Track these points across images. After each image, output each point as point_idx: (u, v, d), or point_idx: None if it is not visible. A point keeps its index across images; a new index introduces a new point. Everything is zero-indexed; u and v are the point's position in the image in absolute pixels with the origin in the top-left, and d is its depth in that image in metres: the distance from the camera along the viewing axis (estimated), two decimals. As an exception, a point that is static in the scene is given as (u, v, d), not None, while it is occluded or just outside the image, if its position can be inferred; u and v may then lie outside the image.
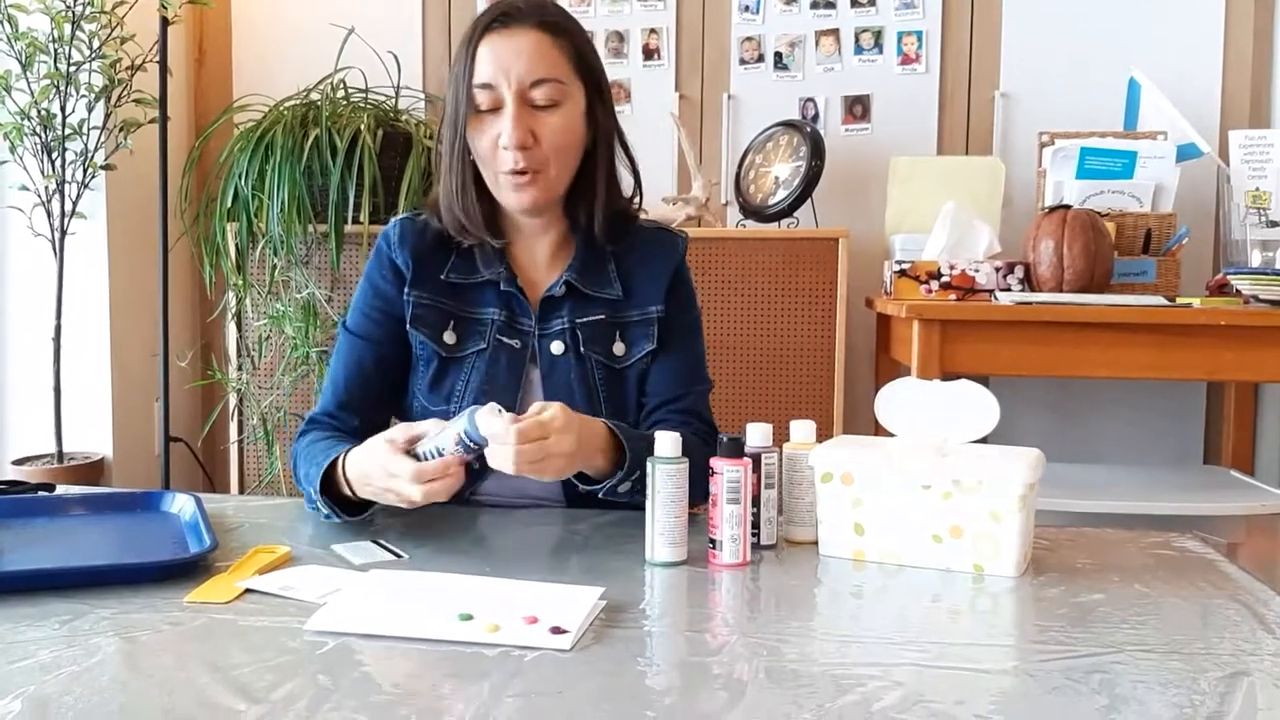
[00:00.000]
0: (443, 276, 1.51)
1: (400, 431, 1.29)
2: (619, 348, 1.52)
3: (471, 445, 1.22)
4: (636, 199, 1.59)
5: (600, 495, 1.36)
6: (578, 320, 1.50)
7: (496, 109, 1.41)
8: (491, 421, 1.20)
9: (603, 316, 1.52)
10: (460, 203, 1.47)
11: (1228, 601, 1.11)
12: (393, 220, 1.56)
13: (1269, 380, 2.81)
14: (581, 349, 1.50)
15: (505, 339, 1.50)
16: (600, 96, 1.48)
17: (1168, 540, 1.35)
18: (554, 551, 1.28)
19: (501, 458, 1.20)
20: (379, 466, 1.26)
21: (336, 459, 1.34)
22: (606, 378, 1.51)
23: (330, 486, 1.35)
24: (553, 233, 1.54)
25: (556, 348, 1.50)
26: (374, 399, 1.53)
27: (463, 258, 1.52)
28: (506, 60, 1.39)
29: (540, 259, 1.54)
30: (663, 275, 1.54)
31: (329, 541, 1.28)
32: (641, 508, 1.24)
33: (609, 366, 1.51)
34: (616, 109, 1.55)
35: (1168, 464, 3.00)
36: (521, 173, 1.41)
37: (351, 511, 1.35)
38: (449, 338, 1.50)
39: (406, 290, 1.50)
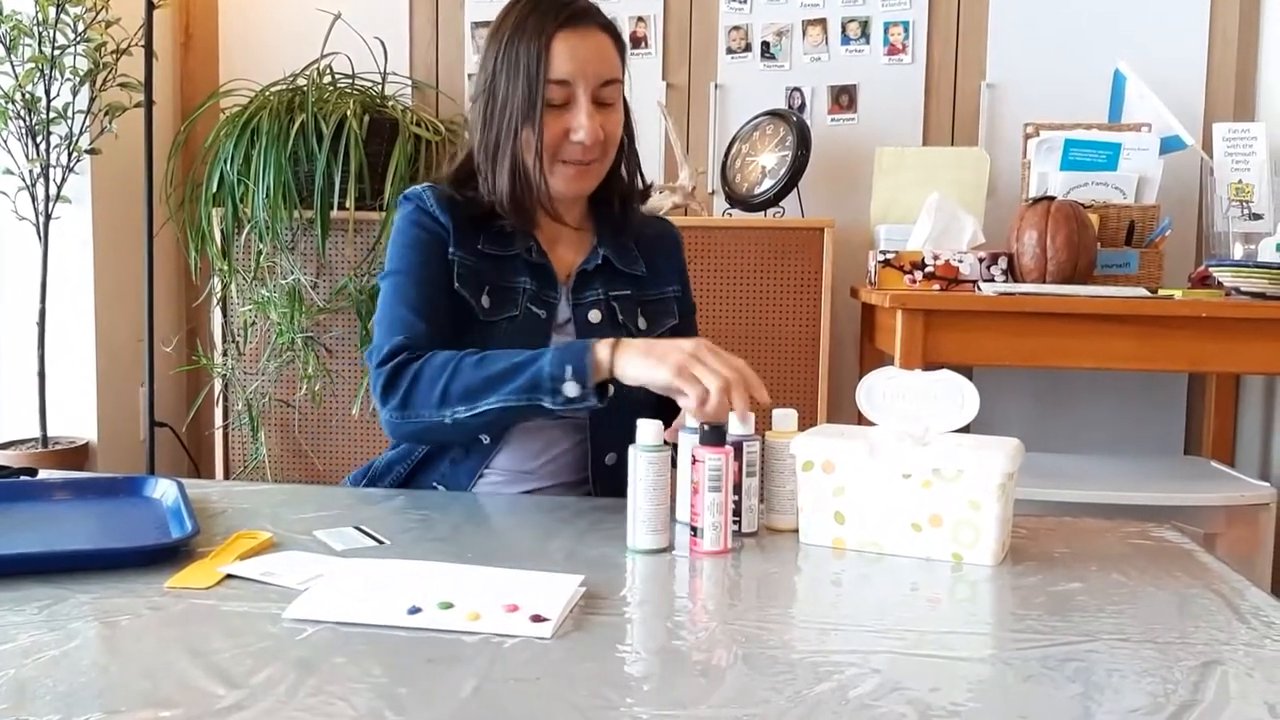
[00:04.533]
0: (479, 246, 1.55)
1: None
2: (642, 323, 1.61)
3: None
4: (644, 188, 1.69)
5: None
6: (611, 294, 1.59)
7: (565, 104, 1.48)
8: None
9: (630, 293, 1.61)
10: (531, 192, 1.52)
11: (1203, 591, 1.12)
12: (420, 187, 1.58)
13: (1250, 372, 2.84)
14: (619, 318, 1.58)
15: (534, 308, 1.55)
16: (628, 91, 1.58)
17: (1145, 530, 1.36)
18: (536, 538, 1.28)
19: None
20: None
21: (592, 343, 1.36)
22: None
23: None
24: (574, 213, 1.61)
25: (594, 316, 1.57)
26: (447, 323, 1.51)
27: (492, 233, 1.56)
28: (585, 60, 1.46)
29: (563, 236, 1.61)
30: (675, 259, 1.70)
31: (310, 527, 1.28)
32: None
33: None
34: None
35: (1148, 454, 3.01)
36: (584, 163, 1.51)
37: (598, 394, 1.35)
38: (485, 301, 1.53)
39: (451, 249, 1.53)
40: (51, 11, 2.79)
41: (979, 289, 2.47)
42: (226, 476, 3.04)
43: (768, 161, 2.93)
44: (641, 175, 1.67)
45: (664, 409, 1.39)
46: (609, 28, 1.51)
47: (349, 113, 2.86)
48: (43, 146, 2.87)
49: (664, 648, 0.94)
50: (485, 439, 1.54)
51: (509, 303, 1.54)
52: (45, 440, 2.95)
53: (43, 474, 1.53)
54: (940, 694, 0.83)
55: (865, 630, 0.98)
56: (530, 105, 1.46)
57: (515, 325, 1.53)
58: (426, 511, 1.38)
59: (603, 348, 1.34)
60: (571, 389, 1.34)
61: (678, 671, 0.88)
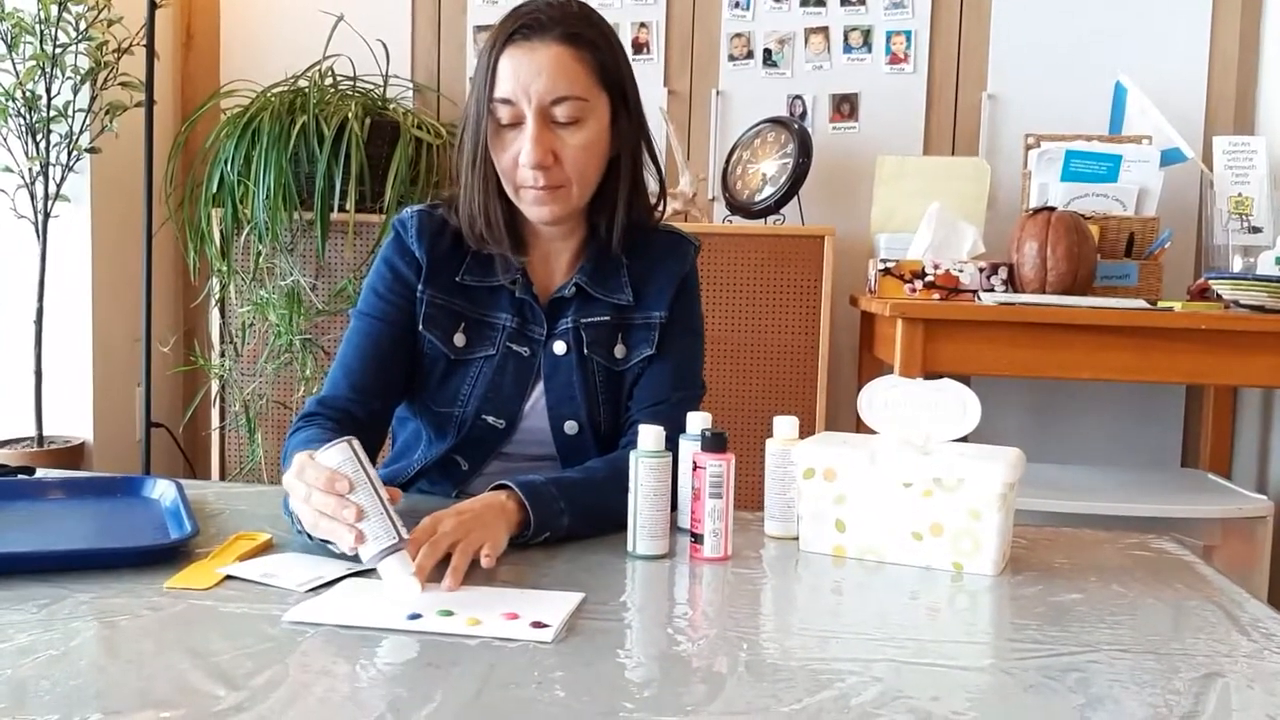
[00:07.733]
0: (457, 278, 1.48)
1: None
2: (620, 350, 1.51)
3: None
4: (661, 207, 1.57)
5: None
6: (583, 321, 1.49)
7: (517, 124, 1.38)
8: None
9: (608, 318, 1.50)
10: (483, 216, 1.44)
11: (1203, 603, 1.12)
12: (409, 210, 1.51)
13: (1247, 384, 2.84)
14: (585, 350, 1.49)
15: (515, 346, 1.48)
16: (625, 106, 1.45)
17: (1145, 541, 1.36)
18: (537, 543, 1.28)
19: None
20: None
21: None
22: (606, 379, 1.51)
23: None
24: (574, 240, 1.52)
25: (559, 348, 1.48)
26: (391, 381, 1.48)
27: (478, 259, 1.49)
28: (527, 77, 1.35)
29: (558, 265, 1.52)
30: (670, 283, 1.53)
31: (310, 529, 1.28)
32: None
33: (609, 369, 1.51)
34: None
35: (1146, 466, 3.01)
36: (542, 188, 1.39)
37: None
38: (459, 340, 1.48)
39: (420, 288, 1.47)
40: (53, 9, 2.79)
41: (979, 299, 2.47)
42: (222, 478, 3.04)
43: (769, 169, 2.93)
44: (663, 192, 1.56)
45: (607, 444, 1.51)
46: (574, 38, 1.37)
47: (350, 115, 2.86)
48: (42, 145, 2.86)
49: (664, 654, 0.94)
50: (464, 464, 1.52)
51: (486, 340, 1.48)
52: (41, 439, 2.94)
53: (41, 473, 1.53)
54: (941, 703, 0.83)
55: (866, 638, 0.98)
56: (478, 127, 1.39)
57: (492, 365, 1.48)
58: (427, 515, 1.37)
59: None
60: (297, 521, 1.20)
61: (678, 678, 0.88)
